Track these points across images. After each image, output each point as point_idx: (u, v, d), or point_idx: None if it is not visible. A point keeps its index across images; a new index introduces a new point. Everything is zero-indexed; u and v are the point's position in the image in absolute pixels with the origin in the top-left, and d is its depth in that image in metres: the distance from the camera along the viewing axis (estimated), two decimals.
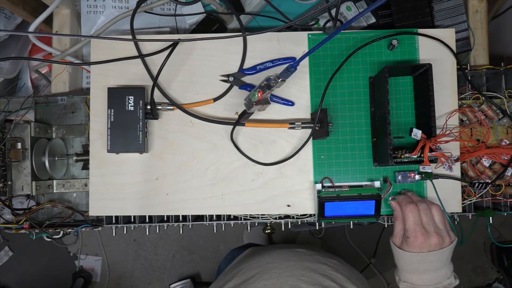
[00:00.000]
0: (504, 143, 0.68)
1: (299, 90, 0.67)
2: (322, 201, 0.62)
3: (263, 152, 0.67)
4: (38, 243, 1.65)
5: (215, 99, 0.67)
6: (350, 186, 0.64)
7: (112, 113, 0.64)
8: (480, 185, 0.65)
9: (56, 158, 0.71)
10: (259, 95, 0.59)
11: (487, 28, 0.78)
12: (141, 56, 0.67)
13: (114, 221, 0.71)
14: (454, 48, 0.67)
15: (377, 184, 0.65)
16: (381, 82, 0.61)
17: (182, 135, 0.67)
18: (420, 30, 0.67)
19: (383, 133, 0.61)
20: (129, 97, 0.64)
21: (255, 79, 0.67)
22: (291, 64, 0.58)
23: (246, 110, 0.63)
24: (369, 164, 0.66)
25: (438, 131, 0.64)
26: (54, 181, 0.73)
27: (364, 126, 0.67)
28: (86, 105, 0.73)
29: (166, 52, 0.65)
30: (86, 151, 0.73)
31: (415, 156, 0.61)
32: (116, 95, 0.64)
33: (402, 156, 0.61)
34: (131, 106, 0.64)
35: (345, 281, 0.61)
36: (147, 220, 0.72)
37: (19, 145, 0.66)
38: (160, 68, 0.64)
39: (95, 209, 0.67)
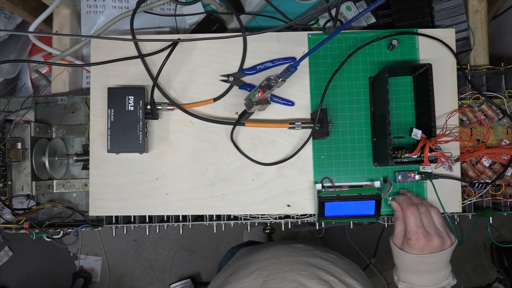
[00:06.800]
0: (504, 143, 0.68)
1: (299, 90, 0.67)
2: (322, 201, 0.62)
3: (263, 152, 0.67)
4: (38, 243, 1.64)
5: (215, 99, 0.67)
6: (350, 186, 0.64)
7: (112, 113, 0.64)
8: (480, 185, 0.65)
9: (56, 158, 0.71)
10: (259, 95, 0.59)
11: (487, 28, 0.78)
12: (141, 56, 0.67)
13: (114, 221, 0.71)
14: (454, 48, 0.67)
15: (377, 184, 0.65)
16: (381, 82, 0.61)
17: (182, 135, 0.67)
18: (420, 30, 0.67)
19: (383, 133, 0.61)
20: (129, 97, 0.64)
21: (255, 79, 0.67)
22: (291, 64, 0.58)
23: (246, 110, 0.63)
24: (369, 164, 0.66)
25: (438, 131, 0.64)
26: (54, 181, 0.73)
27: (364, 126, 0.67)
28: (86, 105, 0.73)
29: (166, 52, 0.65)
30: (86, 151, 0.73)
31: (415, 156, 0.61)
32: (116, 95, 0.64)
33: (402, 156, 0.61)
34: (131, 106, 0.64)
35: (344, 275, 0.61)
36: (147, 220, 0.72)
37: (19, 145, 0.66)
38: (160, 68, 0.64)
39: (95, 209, 0.67)
